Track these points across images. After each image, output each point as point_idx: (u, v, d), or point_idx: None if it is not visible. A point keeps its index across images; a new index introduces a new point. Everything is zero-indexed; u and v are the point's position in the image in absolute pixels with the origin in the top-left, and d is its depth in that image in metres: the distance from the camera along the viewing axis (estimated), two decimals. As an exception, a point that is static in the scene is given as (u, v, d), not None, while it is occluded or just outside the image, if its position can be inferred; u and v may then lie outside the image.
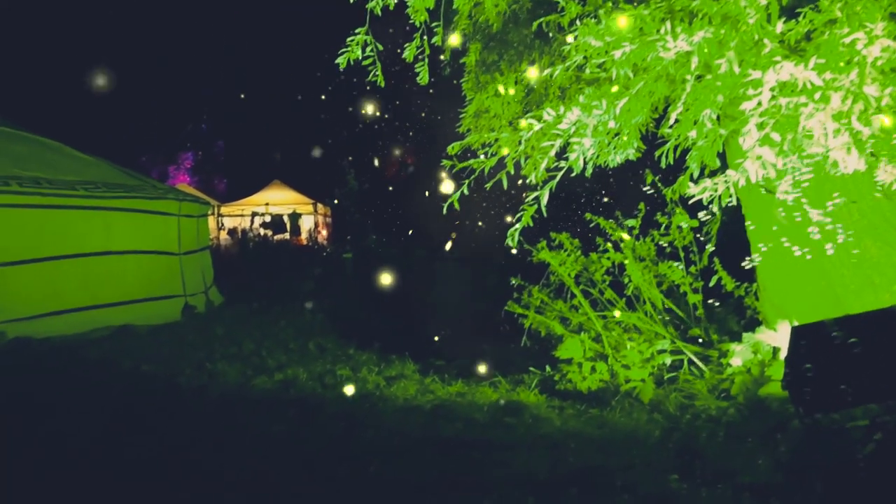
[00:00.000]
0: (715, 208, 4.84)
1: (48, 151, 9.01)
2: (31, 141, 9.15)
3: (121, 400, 4.89)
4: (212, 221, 22.36)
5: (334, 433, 4.22)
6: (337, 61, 4.99)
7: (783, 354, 4.17)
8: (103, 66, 28.50)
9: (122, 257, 8.32)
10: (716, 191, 4.05)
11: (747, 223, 5.10)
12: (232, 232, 24.74)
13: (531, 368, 5.60)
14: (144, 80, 31.12)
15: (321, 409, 4.76)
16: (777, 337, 4.37)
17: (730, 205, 4.65)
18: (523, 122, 4.37)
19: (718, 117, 4.32)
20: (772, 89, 3.62)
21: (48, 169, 8.20)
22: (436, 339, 7.45)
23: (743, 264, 5.41)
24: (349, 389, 5.31)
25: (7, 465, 3.55)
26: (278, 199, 26.80)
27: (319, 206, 27.49)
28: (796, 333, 3.19)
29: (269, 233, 23.03)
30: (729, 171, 3.93)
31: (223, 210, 27.13)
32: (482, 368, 5.97)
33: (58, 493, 3.23)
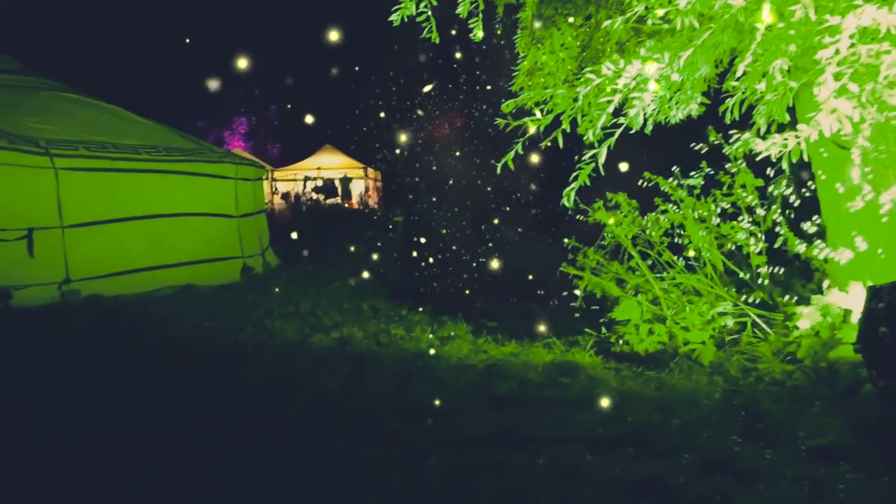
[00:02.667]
0: (784, 165, 4.63)
1: (113, 117, 9.29)
2: (97, 107, 9.43)
3: (186, 354, 5.08)
4: (266, 186, 22.78)
5: (389, 389, 4.29)
6: (390, 18, 4.92)
7: (855, 317, 4.00)
8: (164, 34, 29.06)
9: (183, 219, 8.58)
10: (785, 146, 3.85)
11: (818, 181, 4.86)
12: (285, 196, 25.17)
13: (586, 330, 5.55)
14: (200, 46, 31.60)
15: (377, 366, 4.84)
16: (848, 299, 4.18)
17: (799, 161, 4.45)
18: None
19: (789, 69, 4.09)
20: (851, 36, 3.39)
21: (113, 133, 8.46)
22: (488, 300, 7.45)
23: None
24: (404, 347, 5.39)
25: (85, 410, 3.75)
26: (330, 164, 27.03)
27: (370, 170, 27.63)
28: (872, 293, 3.04)
29: (321, 197, 23.32)
30: (800, 126, 3.72)
31: (276, 175, 27.56)
32: (535, 329, 5.95)
33: (130, 429, 3.41)
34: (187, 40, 29.97)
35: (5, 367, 4.59)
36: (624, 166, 6.77)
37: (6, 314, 6.39)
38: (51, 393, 4.09)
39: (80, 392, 4.12)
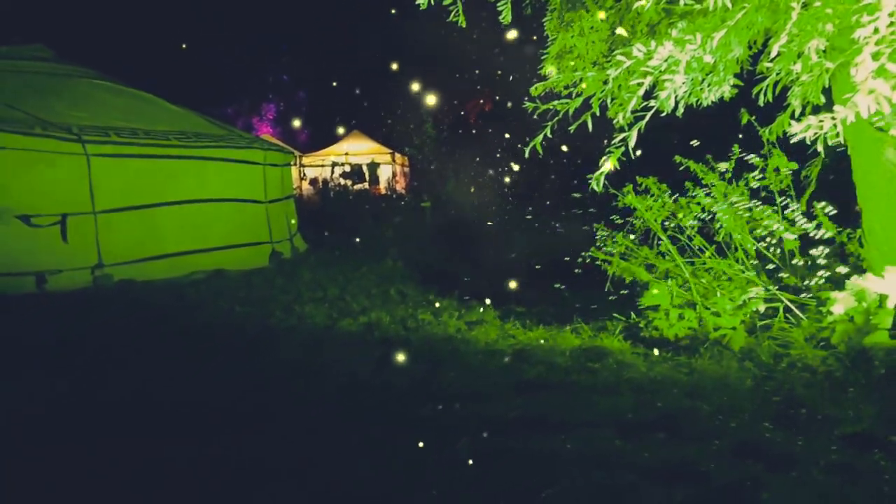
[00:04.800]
0: (819, 148, 4.53)
1: (143, 103, 9.44)
2: (128, 93, 9.60)
3: (217, 339, 5.18)
4: (294, 171, 22.95)
5: (417, 373, 4.32)
6: (418, 2, 4.90)
7: (891, 302, 3.92)
8: (193, 20, 29.32)
9: (213, 205, 8.71)
10: (821, 129, 3.76)
11: (854, 164, 4.75)
12: (314, 182, 25.36)
13: (614, 315, 5.52)
14: (228, 33, 31.86)
15: (405, 350, 4.88)
16: (884, 284, 4.08)
17: (835, 146, 4.34)
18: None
19: (825, 49, 3.99)
20: (890, 14, 3.29)
21: (143, 120, 8.60)
22: (516, 285, 7.45)
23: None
24: (432, 332, 5.41)
25: (126, 397, 3.86)
26: (357, 149, 27.13)
27: (397, 155, 27.68)
28: (910, 279, 2.97)
29: (349, 182, 23.44)
30: (836, 107, 3.63)
31: (305, 160, 27.76)
32: (563, 314, 5.93)
33: (167, 412, 3.50)
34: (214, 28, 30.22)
35: (42, 352, 4.74)
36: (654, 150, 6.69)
37: (41, 298, 6.59)
38: (78, 382, 4.21)
39: (102, 382, 4.22)
